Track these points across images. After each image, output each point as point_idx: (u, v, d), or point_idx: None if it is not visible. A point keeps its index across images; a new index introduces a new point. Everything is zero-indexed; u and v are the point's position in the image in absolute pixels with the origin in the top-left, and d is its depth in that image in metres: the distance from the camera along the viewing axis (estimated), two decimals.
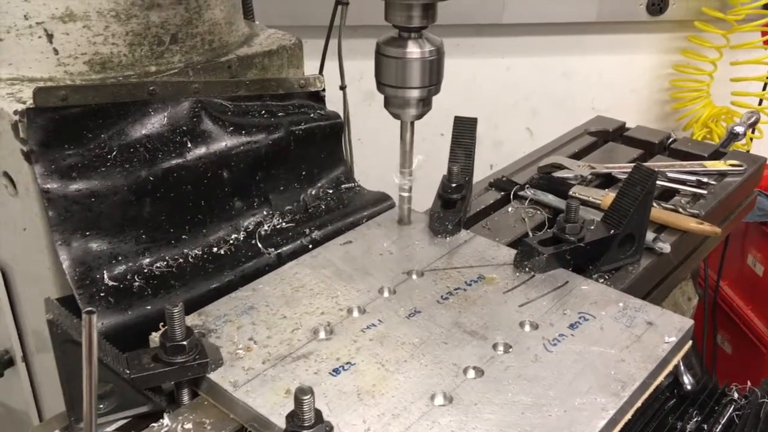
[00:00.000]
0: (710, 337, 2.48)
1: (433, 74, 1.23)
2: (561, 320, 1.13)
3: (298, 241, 1.34)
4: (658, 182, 1.51)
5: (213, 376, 1.01)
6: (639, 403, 1.02)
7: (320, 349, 1.06)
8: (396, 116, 1.29)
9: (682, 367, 1.42)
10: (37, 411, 1.45)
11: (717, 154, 1.89)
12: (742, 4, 2.88)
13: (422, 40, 1.21)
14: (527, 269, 1.25)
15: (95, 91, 1.17)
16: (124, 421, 1.01)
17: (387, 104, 1.28)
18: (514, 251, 1.30)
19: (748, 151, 2.68)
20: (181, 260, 1.24)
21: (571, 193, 1.57)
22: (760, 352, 2.57)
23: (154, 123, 1.23)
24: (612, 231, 1.30)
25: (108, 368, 0.94)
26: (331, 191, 1.47)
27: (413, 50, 1.20)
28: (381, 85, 1.26)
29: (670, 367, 1.08)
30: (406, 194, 1.36)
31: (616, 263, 1.34)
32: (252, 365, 1.03)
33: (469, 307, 1.16)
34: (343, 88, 1.68)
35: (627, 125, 2.05)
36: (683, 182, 1.67)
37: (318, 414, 0.86)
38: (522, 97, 3.06)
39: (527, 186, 1.63)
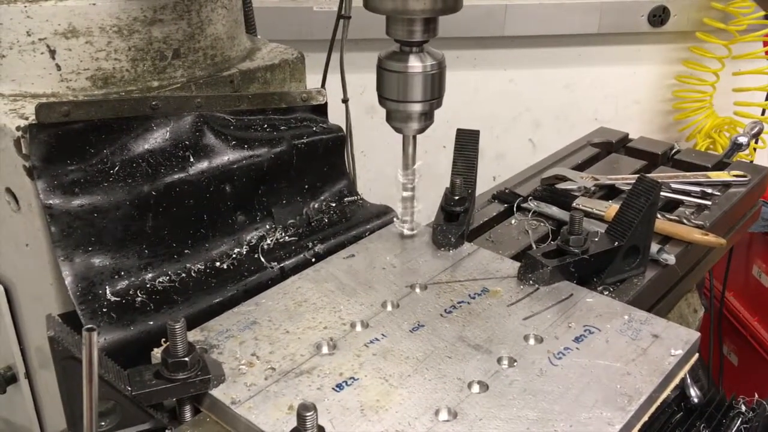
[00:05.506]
0: (716, 348, 2.47)
1: (435, 88, 1.23)
2: (566, 333, 1.12)
3: (301, 255, 1.34)
4: (661, 193, 1.51)
5: (215, 392, 1.00)
6: (646, 417, 1.01)
7: (323, 364, 1.05)
8: (398, 130, 1.29)
9: (689, 380, 1.41)
10: (40, 427, 1.44)
11: (721, 165, 1.88)
12: (744, 14, 2.88)
13: (424, 54, 1.21)
14: (531, 282, 1.25)
15: (98, 106, 1.17)
16: None
17: (389, 118, 1.28)
18: (517, 264, 1.29)
19: (751, 162, 2.68)
20: (183, 275, 1.24)
21: (574, 204, 1.57)
22: (767, 362, 2.55)
23: (157, 138, 1.23)
24: (616, 243, 1.30)
25: (109, 385, 0.94)
26: (333, 204, 1.47)
27: (415, 64, 1.20)
28: (383, 99, 1.25)
29: (676, 381, 1.07)
30: (409, 193, 1.35)
31: (621, 275, 1.34)
32: (254, 381, 1.02)
33: (473, 320, 1.15)
34: (345, 101, 1.68)
35: (630, 136, 2.05)
36: (687, 193, 1.67)
37: (321, 430, 0.86)
38: (524, 109, 3.07)
39: (530, 198, 1.62)
